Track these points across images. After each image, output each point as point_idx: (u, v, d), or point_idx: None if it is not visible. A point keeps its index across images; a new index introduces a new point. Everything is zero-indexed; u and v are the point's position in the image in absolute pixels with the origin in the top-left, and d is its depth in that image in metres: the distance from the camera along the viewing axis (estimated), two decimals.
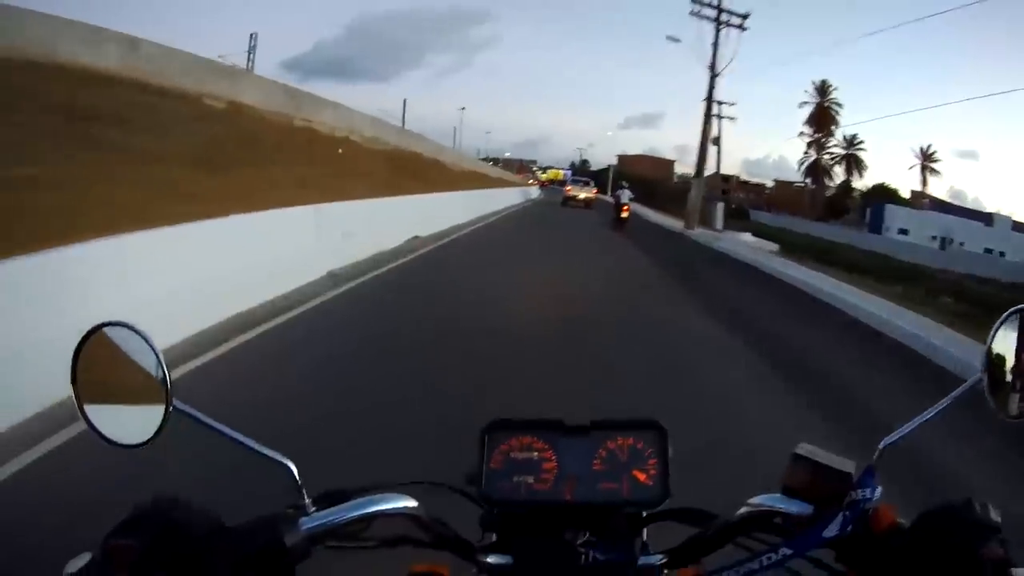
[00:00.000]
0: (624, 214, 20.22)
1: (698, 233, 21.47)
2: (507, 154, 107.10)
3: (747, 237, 20.36)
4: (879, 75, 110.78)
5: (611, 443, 0.82)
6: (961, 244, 42.31)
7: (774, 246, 19.31)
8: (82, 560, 0.56)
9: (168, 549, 0.56)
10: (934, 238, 42.67)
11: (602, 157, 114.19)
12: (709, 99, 23.75)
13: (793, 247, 20.01)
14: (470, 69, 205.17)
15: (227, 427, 0.65)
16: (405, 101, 51.97)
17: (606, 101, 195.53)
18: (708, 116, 23.96)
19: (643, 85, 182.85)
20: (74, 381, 0.65)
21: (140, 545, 0.55)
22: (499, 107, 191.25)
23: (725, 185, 73.98)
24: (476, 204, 19.27)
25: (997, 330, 0.67)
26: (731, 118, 35.97)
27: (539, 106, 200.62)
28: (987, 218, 44.97)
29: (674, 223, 26.13)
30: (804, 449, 0.70)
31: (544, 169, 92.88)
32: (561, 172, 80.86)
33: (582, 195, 32.46)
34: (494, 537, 0.80)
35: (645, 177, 59.67)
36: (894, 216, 46.38)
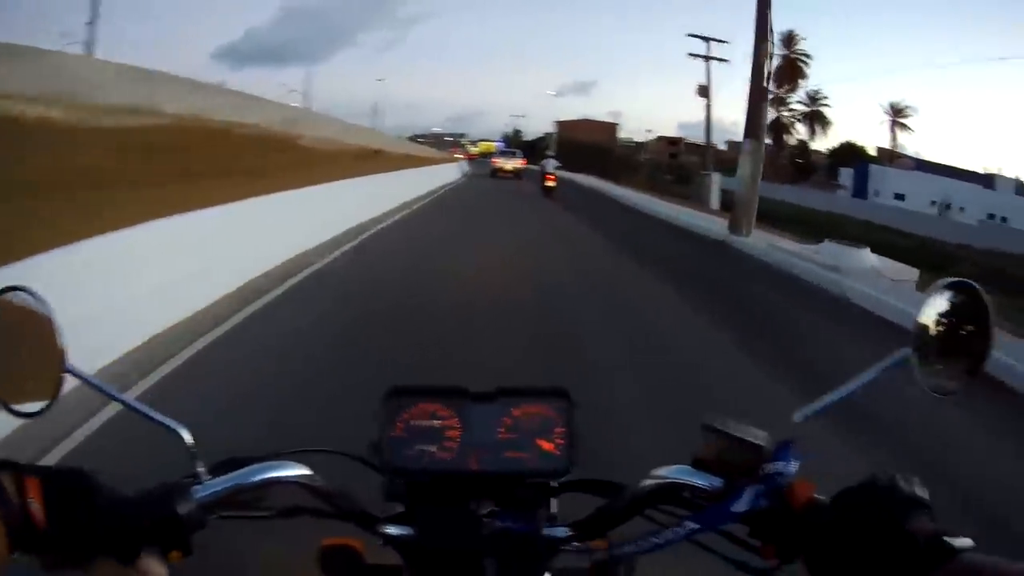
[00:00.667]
0: (549, 182, 21.14)
1: (765, 247, 11.33)
2: (434, 129, 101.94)
3: (872, 259, 9.78)
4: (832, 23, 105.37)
5: (517, 411, 0.80)
6: (961, 209, 36.21)
7: (911, 272, 9.96)
8: None
9: (65, 518, 0.56)
10: (933, 203, 36.39)
11: (537, 127, 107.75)
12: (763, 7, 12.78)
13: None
14: (401, 47, 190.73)
15: (120, 392, 0.65)
16: (307, 72, 41.91)
17: (538, 71, 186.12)
18: (762, 40, 12.98)
19: (575, 51, 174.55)
20: None
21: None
22: (429, 84, 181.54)
23: (674, 148, 66.69)
24: (312, 221, 8.66)
25: (927, 304, 0.65)
26: (724, 59, 27.43)
27: (470, 81, 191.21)
28: (986, 180, 38.65)
29: (677, 214, 16.88)
30: (715, 421, 0.67)
31: (475, 143, 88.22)
32: (494, 144, 74.52)
33: (509, 165, 32.72)
34: (399, 507, 0.77)
35: (587, 143, 52.59)
36: (882, 179, 39.88)
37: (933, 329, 0.65)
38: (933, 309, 0.65)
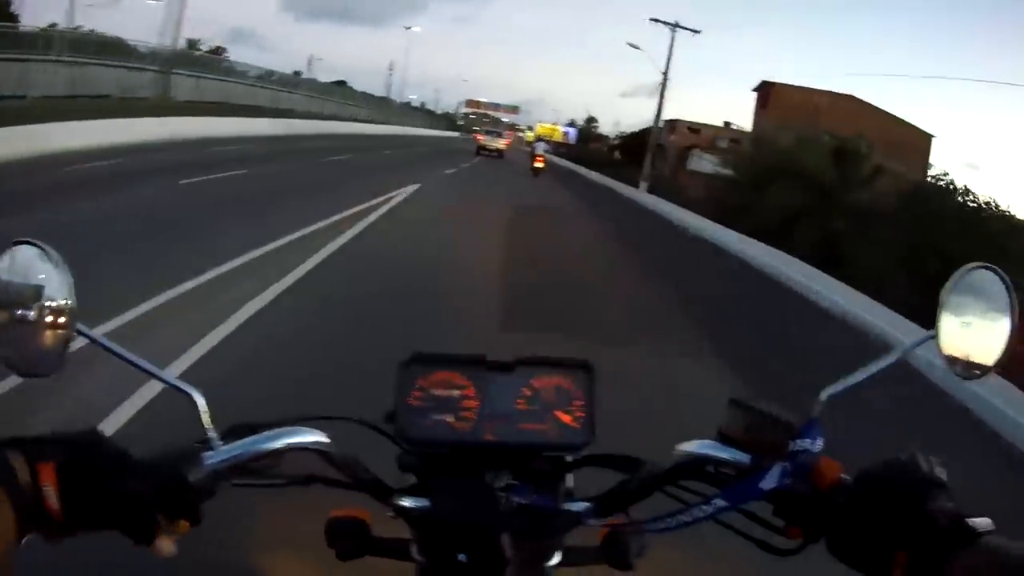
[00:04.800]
0: (538, 163, 24.21)
1: None
2: (482, 99, 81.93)
3: None
4: None
5: (536, 382, 0.78)
6: None
7: None
8: None
9: (78, 500, 0.55)
10: None
11: (606, 122, 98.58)
12: None
13: None
14: (474, 23, 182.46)
15: (132, 353, 0.62)
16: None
17: (605, 69, 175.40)
18: None
19: (649, 57, 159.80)
20: None
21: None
22: (499, 65, 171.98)
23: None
24: None
25: (952, 286, 0.65)
26: None
27: (541, 67, 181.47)
28: None
29: None
30: (742, 397, 0.67)
31: (529, 127, 76.32)
32: (559, 129, 68.93)
33: (494, 144, 35.08)
34: (413, 479, 0.76)
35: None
36: None
37: (956, 311, 0.64)
38: (956, 292, 0.65)
